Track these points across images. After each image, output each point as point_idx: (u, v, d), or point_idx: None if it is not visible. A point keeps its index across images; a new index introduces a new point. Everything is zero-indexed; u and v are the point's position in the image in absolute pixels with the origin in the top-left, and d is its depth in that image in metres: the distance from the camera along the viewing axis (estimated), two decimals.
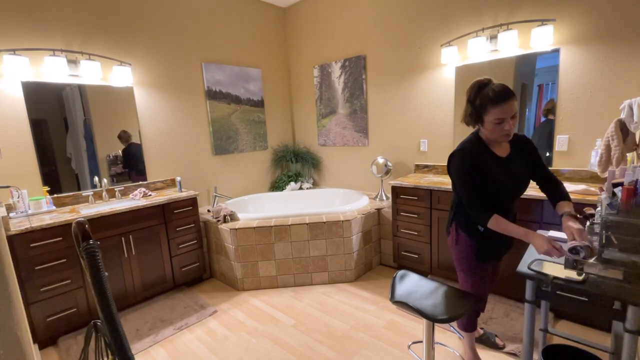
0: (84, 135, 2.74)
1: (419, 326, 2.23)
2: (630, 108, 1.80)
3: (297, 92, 4.36)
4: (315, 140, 4.26)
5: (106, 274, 0.86)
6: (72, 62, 2.63)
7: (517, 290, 2.34)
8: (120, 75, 2.82)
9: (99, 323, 1.06)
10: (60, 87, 2.59)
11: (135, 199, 2.81)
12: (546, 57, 2.42)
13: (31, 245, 2.12)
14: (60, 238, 2.23)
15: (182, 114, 3.36)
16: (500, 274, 2.35)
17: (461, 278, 1.69)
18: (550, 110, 2.48)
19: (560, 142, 2.46)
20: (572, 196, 2.01)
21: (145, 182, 3.11)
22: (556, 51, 2.38)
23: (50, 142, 2.58)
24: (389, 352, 2.00)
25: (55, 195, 2.61)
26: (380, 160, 3.33)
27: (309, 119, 4.27)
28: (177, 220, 2.83)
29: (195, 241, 2.97)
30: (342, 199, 3.82)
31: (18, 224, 2.14)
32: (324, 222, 2.79)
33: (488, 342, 1.99)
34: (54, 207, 2.54)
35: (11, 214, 2.30)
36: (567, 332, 2.04)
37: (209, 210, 3.26)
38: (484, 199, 1.45)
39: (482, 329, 2.08)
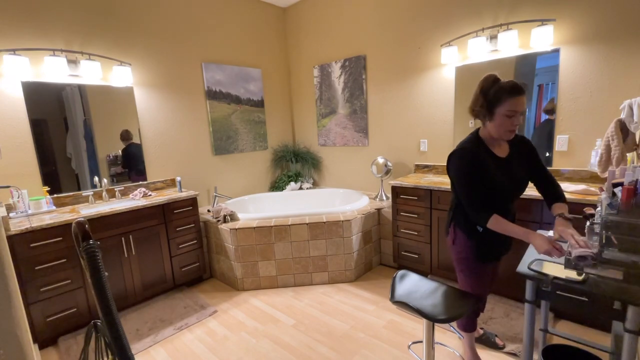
0: (84, 135, 2.74)
1: (419, 326, 2.23)
2: (630, 108, 1.80)
3: (297, 92, 4.36)
4: (315, 140, 4.26)
5: (106, 274, 0.86)
6: (72, 62, 2.63)
7: (517, 290, 2.34)
8: (120, 75, 2.82)
9: (99, 323, 1.06)
10: (60, 87, 2.59)
11: (135, 199, 2.81)
12: (546, 57, 2.42)
13: (31, 245, 2.12)
14: (60, 238, 2.23)
15: (182, 114, 3.36)
16: (500, 274, 2.35)
17: (460, 278, 1.69)
18: (550, 110, 2.48)
19: (560, 142, 2.46)
20: (572, 196, 2.02)
21: (145, 182, 3.11)
22: (556, 51, 2.38)
23: (50, 142, 2.58)
24: (389, 352, 2.00)
25: (55, 195, 2.61)
26: (380, 160, 3.33)
27: (309, 119, 4.27)
28: (177, 220, 2.83)
29: (195, 241, 2.97)
30: (342, 199, 3.82)
31: (18, 224, 2.14)
32: (324, 222, 2.79)
33: (488, 342, 2.00)
34: (54, 207, 2.54)
35: (11, 214, 2.30)
36: (567, 332, 2.04)
37: (209, 210, 3.26)
38: (483, 199, 1.45)
39: (482, 329, 2.08)
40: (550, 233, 1.62)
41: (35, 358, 0.84)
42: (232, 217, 2.98)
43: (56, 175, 2.62)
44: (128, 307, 2.65)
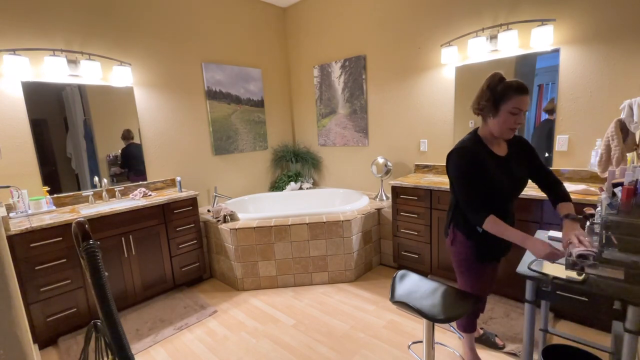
0: (84, 135, 2.74)
1: (419, 326, 2.24)
2: (630, 108, 1.80)
3: (297, 92, 4.36)
4: (315, 140, 4.26)
5: (106, 274, 0.86)
6: (72, 62, 2.63)
7: (517, 290, 2.34)
8: (120, 75, 2.82)
9: (99, 323, 1.06)
10: (60, 87, 2.59)
11: (135, 199, 2.81)
12: (546, 57, 2.42)
13: (31, 245, 2.12)
14: (60, 238, 2.23)
15: (182, 114, 3.36)
16: (499, 274, 2.35)
17: (460, 279, 1.69)
18: (550, 110, 2.48)
19: (560, 142, 2.46)
20: (572, 196, 2.01)
21: (145, 182, 3.11)
22: (556, 51, 2.38)
23: (50, 142, 2.58)
24: (389, 352, 2.00)
25: (55, 195, 2.61)
26: (380, 160, 3.33)
27: (309, 119, 4.27)
28: (177, 220, 2.83)
29: (195, 241, 2.97)
30: (342, 199, 3.82)
31: (18, 224, 2.14)
32: (324, 222, 2.79)
33: (488, 342, 1.99)
34: (54, 207, 2.54)
35: (11, 214, 2.30)
36: (567, 332, 2.04)
37: (209, 210, 3.26)
38: (482, 198, 1.45)
39: (482, 329, 2.08)
40: (550, 233, 1.62)
41: (35, 358, 0.84)
42: (232, 217, 2.98)
43: (56, 175, 2.62)
44: (128, 307, 2.65)
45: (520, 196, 1.98)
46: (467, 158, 1.46)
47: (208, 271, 3.19)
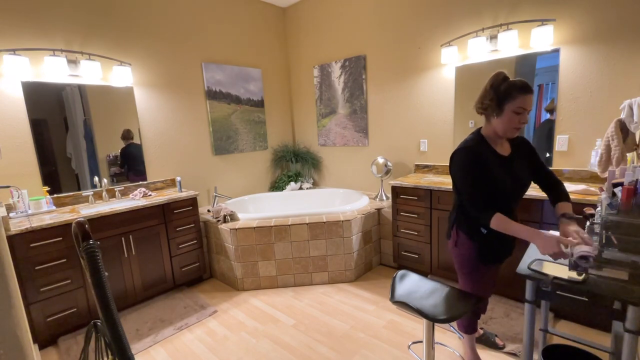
0: (84, 135, 2.74)
1: (419, 326, 2.23)
2: (630, 108, 1.80)
3: (297, 92, 4.36)
4: (315, 140, 4.26)
5: (106, 274, 0.86)
6: (72, 62, 2.63)
7: (517, 290, 2.34)
8: (120, 75, 2.82)
9: (99, 323, 1.06)
10: (60, 87, 2.59)
11: (135, 199, 2.81)
12: (546, 57, 2.42)
13: (31, 245, 2.12)
14: (60, 238, 2.23)
15: (182, 114, 3.36)
16: (499, 275, 2.35)
17: (462, 281, 1.68)
18: (551, 110, 2.48)
19: (560, 142, 2.46)
20: (572, 196, 2.01)
21: (145, 182, 3.11)
22: (556, 51, 2.38)
23: (50, 142, 2.58)
24: (389, 352, 2.00)
25: (55, 195, 2.61)
26: (380, 160, 3.33)
27: (309, 119, 4.27)
28: (177, 220, 2.83)
29: (195, 241, 2.97)
30: (342, 199, 3.82)
31: (18, 224, 2.14)
32: (324, 222, 2.79)
33: (488, 342, 1.99)
34: (54, 207, 2.54)
35: (11, 214, 2.30)
36: (567, 332, 2.04)
37: (209, 210, 3.26)
38: (486, 197, 1.44)
39: (482, 329, 2.07)
40: (551, 233, 1.62)
41: (35, 358, 0.84)
42: (232, 217, 2.98)
43: (56, 175, 2.62)
44: (128, 307, 2.65)
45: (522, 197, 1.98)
46: (471, 158, 1.45)
47: (208, 271, 3.19)
